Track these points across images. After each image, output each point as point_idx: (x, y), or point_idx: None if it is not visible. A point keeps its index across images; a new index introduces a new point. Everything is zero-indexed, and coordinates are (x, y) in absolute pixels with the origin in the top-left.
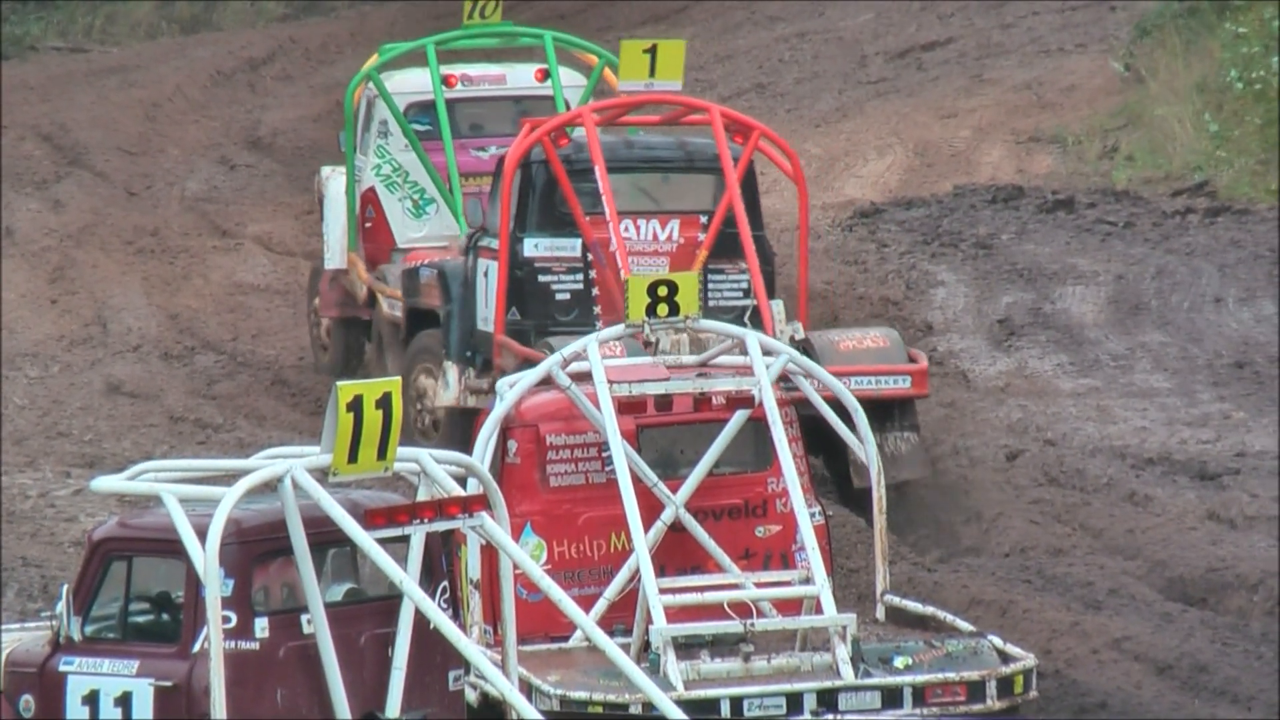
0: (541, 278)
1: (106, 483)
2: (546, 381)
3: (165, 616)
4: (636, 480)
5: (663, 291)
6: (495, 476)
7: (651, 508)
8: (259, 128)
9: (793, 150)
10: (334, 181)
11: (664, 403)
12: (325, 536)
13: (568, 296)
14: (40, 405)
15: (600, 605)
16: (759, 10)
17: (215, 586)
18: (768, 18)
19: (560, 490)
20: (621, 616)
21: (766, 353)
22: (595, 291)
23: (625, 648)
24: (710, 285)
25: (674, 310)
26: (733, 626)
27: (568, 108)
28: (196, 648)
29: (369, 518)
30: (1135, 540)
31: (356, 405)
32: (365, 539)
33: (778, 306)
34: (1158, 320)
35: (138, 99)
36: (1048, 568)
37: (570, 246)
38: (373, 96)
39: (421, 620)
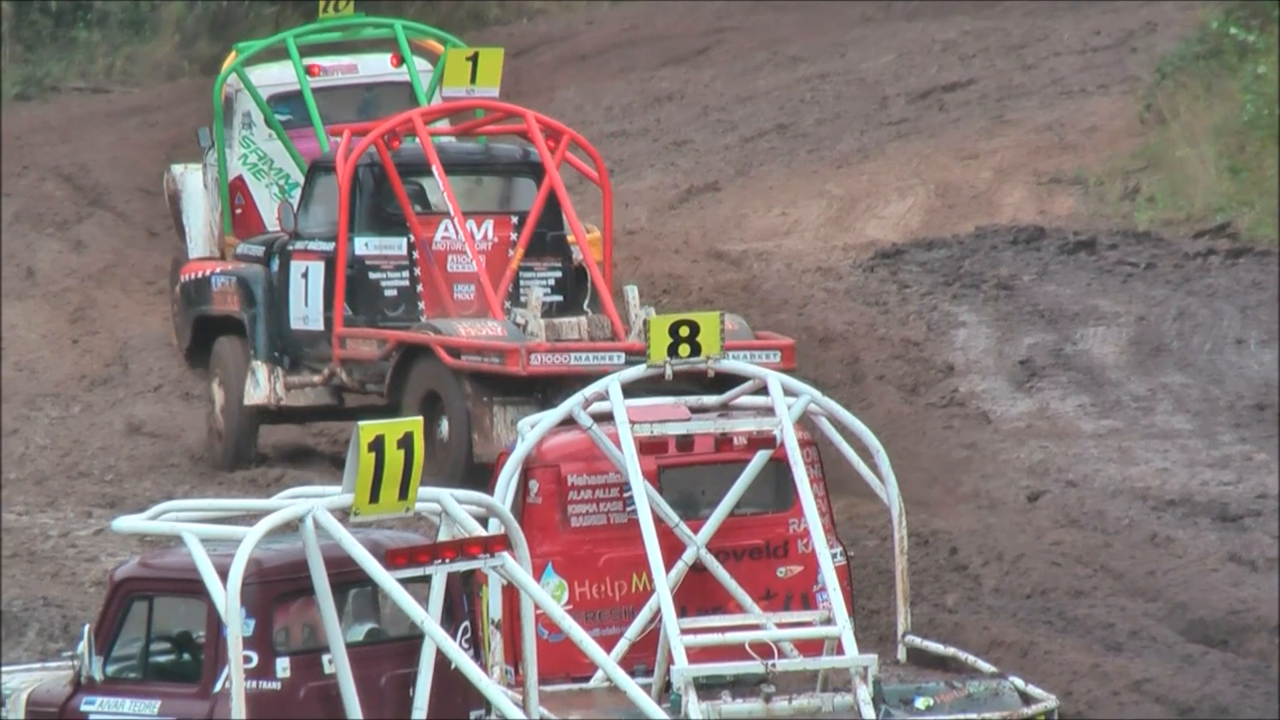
0: (371, 275)
1: (128, 523)
2: (568, 422)
3: (186, 656)
4: (658, 520)
5: (684, 331)
6: (516, 516)
7: (673, 548)
8: None
9: (598, 155)
10: (189, 177)
11: (685, 443)
12: (346, 576)
13: (395, 293)
14: (61, 445)
15: (621, 645)
16: (780, 51)
17: (237, 626)
18: (789, 59)
19: (581, 530)
20: (643, 657)
21: (788, 393)
22: (420, 288)
23: (646, 688)
24: (521, 282)
25: (695, 350)
26: (754, 667)
27: (424, 92)
28: (218, 688)
29: (390, 558)
30: (1156, 582)
31: (378, 445)
32: (386, 579)
33: (632, 291)
34: (1179, 362)
35: (159, 140)
36: (1069, 609)
37: (397, 245)
38: (233, 92)
39: (443, 660)
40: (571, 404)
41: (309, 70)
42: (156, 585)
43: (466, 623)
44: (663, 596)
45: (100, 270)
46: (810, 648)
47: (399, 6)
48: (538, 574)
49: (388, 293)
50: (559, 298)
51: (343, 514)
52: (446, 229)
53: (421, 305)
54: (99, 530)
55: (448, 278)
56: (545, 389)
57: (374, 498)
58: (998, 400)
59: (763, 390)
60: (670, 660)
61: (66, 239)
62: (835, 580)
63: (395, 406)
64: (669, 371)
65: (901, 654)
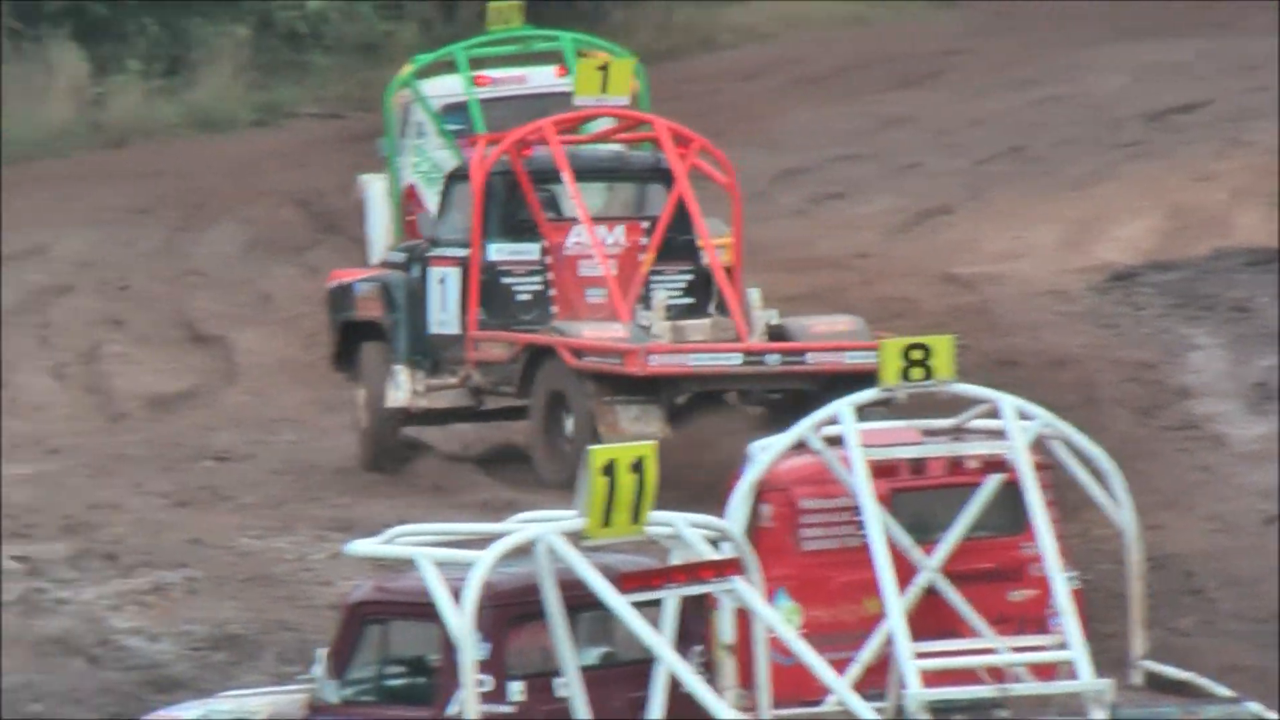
0: (504, 280)
1: (362, 547)
2: (800, 446)
3: (420, 680)
4: (890, 544)
5: (917, 355)
6: (749, 540)
7: (905, 572)
8: None
9: (729, 162)
10: (373, 186)
11: (918, 466)
12: (579, 600)
13: (529, 297)
14: (296, 469)
15: (854, 669)
16: (1012, 74)
17: (470, 650)
18: (1021, 81)
19: (814, 554)
20: (875, 681)
21: (1022, 416)
22: (553, 292)
23: (879, 713)
24: (652, 286)
25: (928, 374)
26: (988, 692)
27: None
28: (451, 711)
29: (623, 582)
30: None
31: (611, 469)
32: (619, 603)
33: (755, 294)
34: None
35: None
36: None
37: (530, 250)
38: (408, 102)
39: (675, 684)
40: (803, 427)
41: (477, 81)
42: (391, 609)
43: (699, 646)
44: (895, 620)
45: None
46: (1044, 672)
47: (630, 33)
48: (770, 597)
49: (521, 297)
50: (690, 300)
51: (575, 538)
52: (579, 234)
53: (554, 309)
54: (333, 554)
55: (579, 282)
56: (665, 389)
57: (606, 522)
58: (1233, 423)
59: (995, 414)
60: (903, 684)
61: (301, 264)
62: (1069, 604)
63: (524, 406)
64: (901, 395)
65: (1137, 678)
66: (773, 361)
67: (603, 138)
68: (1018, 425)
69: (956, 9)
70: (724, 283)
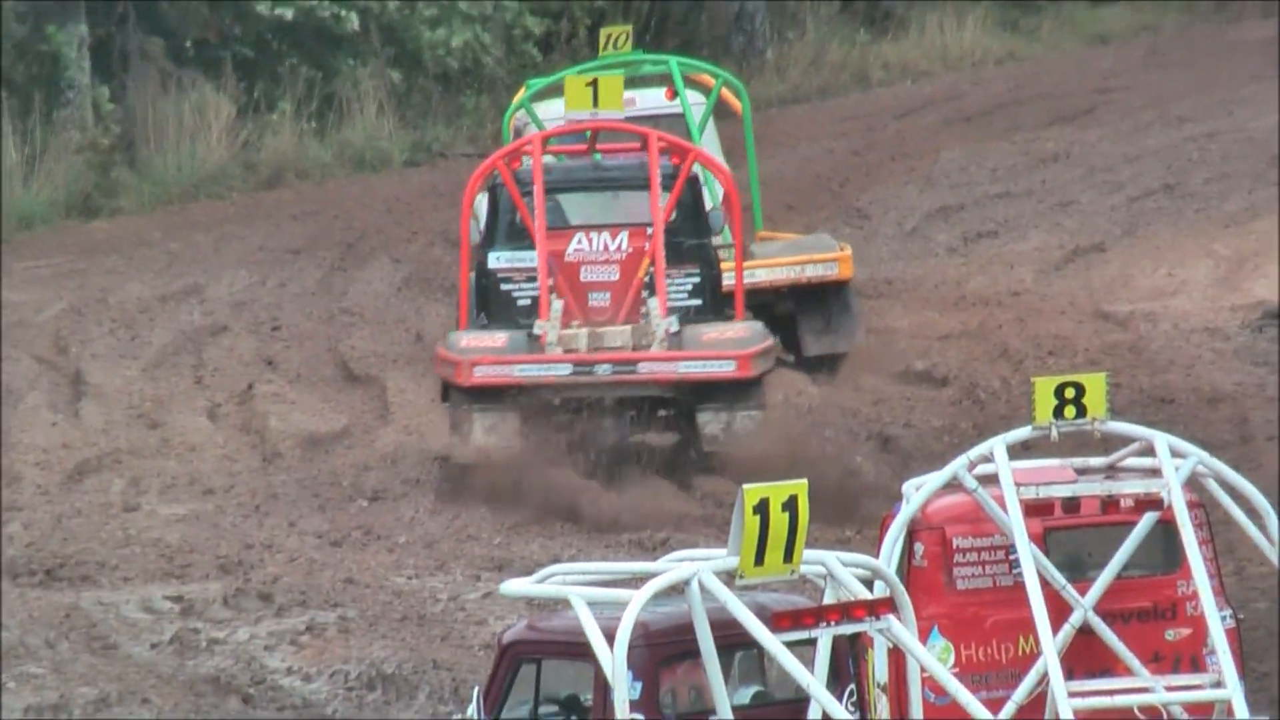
0: (504, 286)
1: (516, 586)
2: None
3: (574, 719)
4: (1044, 583)
5: (1070, 393)
6: (902, 579)
7: (1059, 610)
8: None
9: (724, 169)
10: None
11: (1071, 505)
12: (732, 639)
13: (529, 302)
14: (449, 509)
15: (1009, 708)
16: (1167, 110)
17: (623, 689)
18: (1176, 118)
19: (967, 593)
20: None
21: (1176, 454)
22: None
23: None
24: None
25: (1081, 412)
26: None
27: (695, 122)
28: None
29: (775, 621)
30: None
31: (763, 508)
32: (772, 642)
33: (653, 303)
34: None
35: None
36: None
37: (529, 258)
38: (522, 125)
39: None
40: (956, 466)
41: None
42: (544, 648)
43: (852, 685)
44: (1050, 659)
45: None
46: (1200, 711)
47: (782, 71)
48: (923, 636)
49: (520, 302)
50: (697, 302)
51: (728, 577)
52: (580, 241)
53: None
54: (487, 593)
55: (582, 287)
56: (491, 398)
57: (759, 560)
58: None
59: (1149, 451)
60: None
61: (454, 303)
62: (1225, 643)
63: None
64: (1054, 433)
65: None
66: (603, 371)
67: (594, 151)
68: (1172, 463)
69: (1110, 45)
70: (660, 283)
